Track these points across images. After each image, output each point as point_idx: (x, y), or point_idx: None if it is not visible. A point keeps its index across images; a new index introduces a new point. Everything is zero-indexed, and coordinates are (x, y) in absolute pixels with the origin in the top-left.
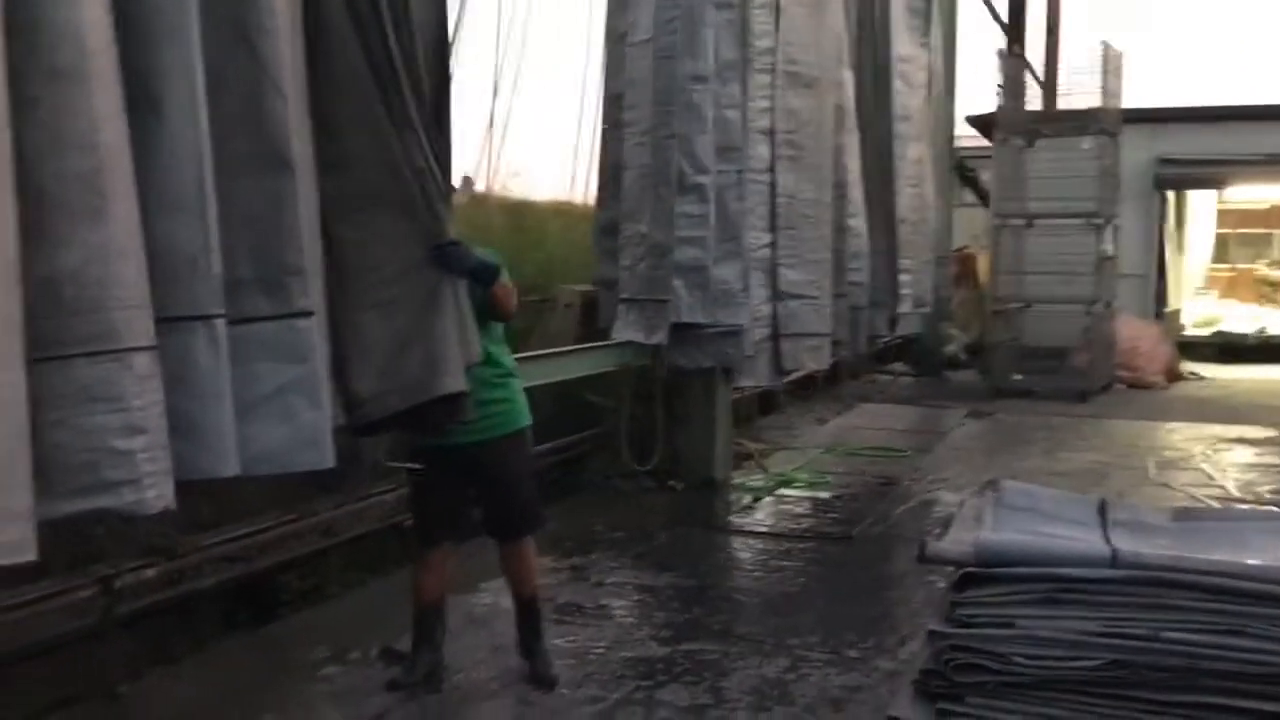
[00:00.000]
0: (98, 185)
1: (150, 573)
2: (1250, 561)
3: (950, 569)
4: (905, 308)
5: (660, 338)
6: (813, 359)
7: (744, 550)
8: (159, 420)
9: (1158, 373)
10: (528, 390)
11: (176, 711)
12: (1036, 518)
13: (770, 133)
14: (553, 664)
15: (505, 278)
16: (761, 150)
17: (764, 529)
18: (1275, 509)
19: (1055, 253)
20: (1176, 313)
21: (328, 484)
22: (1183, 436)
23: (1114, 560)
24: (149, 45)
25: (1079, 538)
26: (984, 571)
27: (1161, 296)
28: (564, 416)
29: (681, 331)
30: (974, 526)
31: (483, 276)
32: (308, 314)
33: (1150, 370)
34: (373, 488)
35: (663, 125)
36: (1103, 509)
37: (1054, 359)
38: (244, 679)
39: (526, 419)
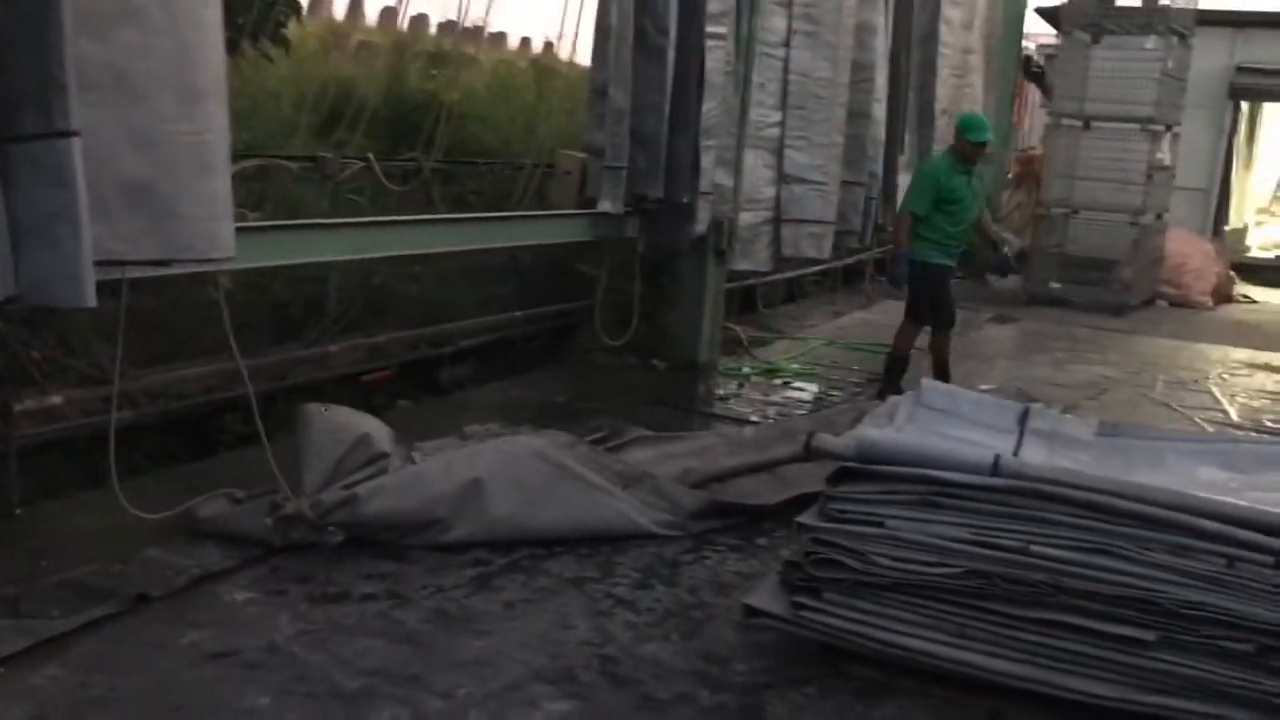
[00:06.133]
0: None
1: (57, 399)
2: (1141, 481)
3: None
4: None
5: (618, 207)
6: (814, 247)
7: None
8: None
9: (1204, 292)
10: (503, 251)
11: (61, 535)
12: (951, 420)
13: (788, 4)
14: None
15: None
16: (777, 22)
17: (735, 415)
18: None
19: (1108, 158)
20: (1239, 232)
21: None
22: (1205, 359)
23: (995, 468)
24: None
25: (983, 444)
26: (861, 468)
27: (1222, 214)
28: (554, 286)
29: (650, 206)
30: (884, 424)
31: None
32: (69, 134)
33: (1197, 289)
34: (330, 339)
35: None
36: (1023, 418)
37: (1097, 270)
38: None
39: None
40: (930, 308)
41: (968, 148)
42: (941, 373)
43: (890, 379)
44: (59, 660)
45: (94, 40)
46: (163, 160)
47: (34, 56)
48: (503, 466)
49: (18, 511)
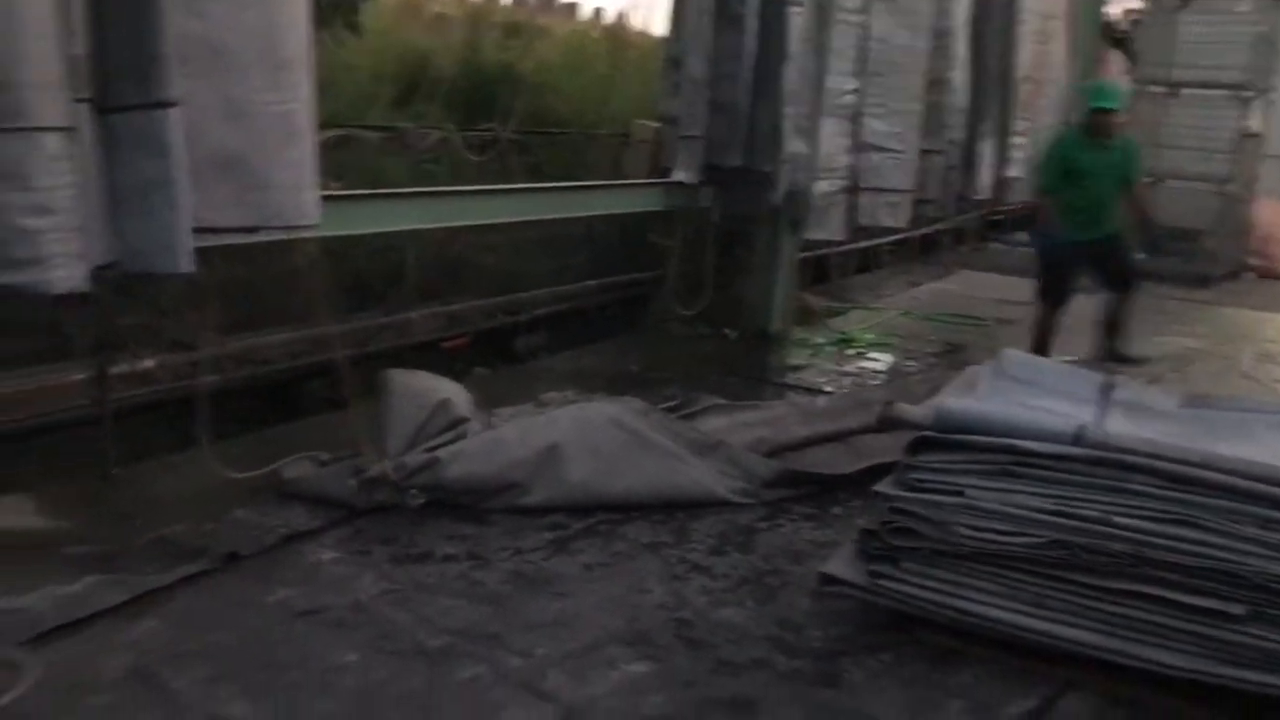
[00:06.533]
0: None
1: (149, 364)
2: (1227, 453)
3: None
4: (1014, 172)
5: (693, 176)
6: (891, 216)
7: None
8: (70, 202)
9: None
10: (577, 221)
11: (154, 495)
12: (1032, 390)
13: None
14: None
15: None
16: None
17: (808, 386)
18: None
19: (1195, 125)
20: None
21: None
22: None
23: (1079, 438)
24: None
25: (1066, 413)
26: (941, 437)
27: None
28: (627, 255)
29: (726, 175)
30: (964, 393)
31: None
32: (168, 104)
33: None
34: (410, 307)
35: None
36: (1107, 389)
37: (1182, 240)
38: (239, 471)
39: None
40: (1045, 281)
41: (1091, 116)
42: (1040, 347)
43: None
44: (154, 614)
45: (188, 14)
46: (252, 130)
47: (134, 29)
48: (579, 433)
49: (114, 472)
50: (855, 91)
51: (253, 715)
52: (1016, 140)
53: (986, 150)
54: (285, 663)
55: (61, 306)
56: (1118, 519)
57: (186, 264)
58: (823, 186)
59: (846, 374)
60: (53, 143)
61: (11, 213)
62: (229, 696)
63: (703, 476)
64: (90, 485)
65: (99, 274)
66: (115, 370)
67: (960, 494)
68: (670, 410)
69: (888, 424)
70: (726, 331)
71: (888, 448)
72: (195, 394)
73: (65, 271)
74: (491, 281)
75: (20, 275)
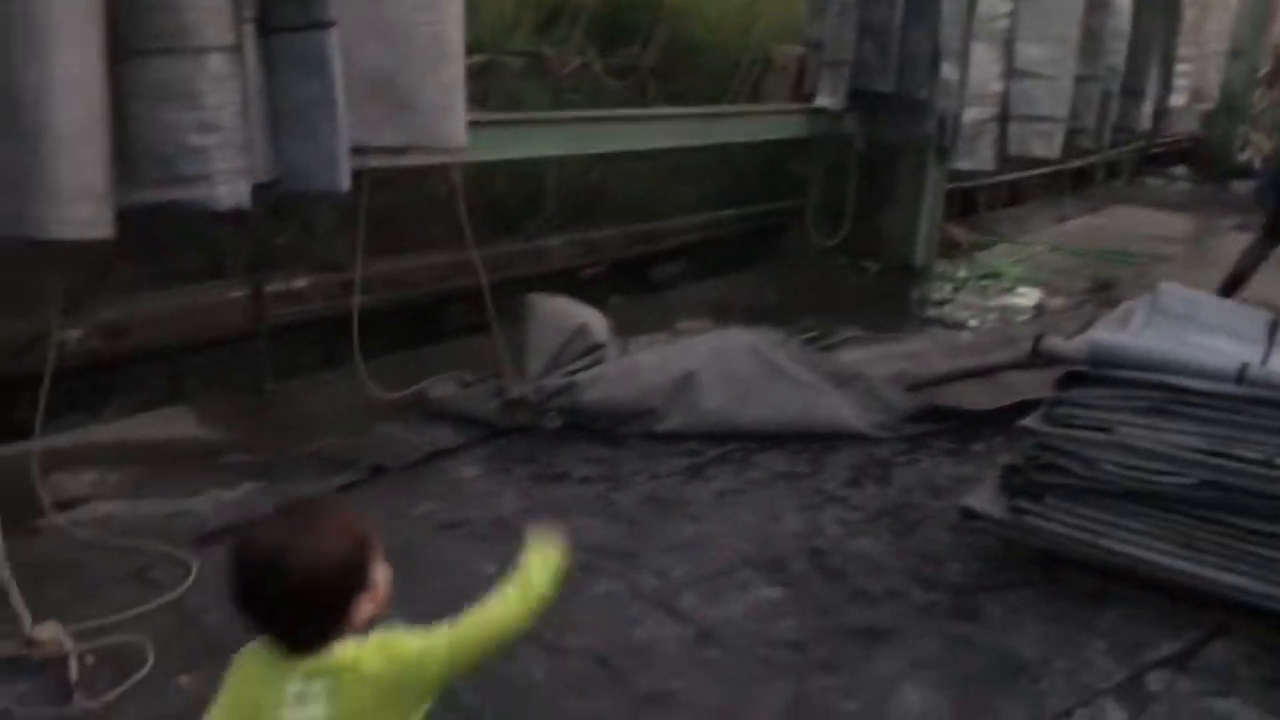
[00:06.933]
0: None
1: (301, 283)
2: None
3: None
4: (1179, 101)
5: (838, 102)
6: (1043, 145)
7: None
8: (234, 120)
9: None
10: (717, 149)
11: (307, 411)
12: (1192, 326)
13: None
14: None
15: None
16: None
17: (951, 320)
18: None
19: None
20: None
21: None
22: None
23: (1241, 376)
24: None
25: (1228, 351)
26: (1093, 372)
27: None
28: (765, 184)
29: (873, 101)
30: (1118, 328)
31: None
32: (327, 25)
33: None
34: (548, 234)
35: None
36: (1273, 326)
37: None
38: (387, 390)
39: None
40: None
41: None
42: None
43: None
44: None
45: None
46: (404, 50)
47: None
48: (715, 361)
49: (269, 387)
50: (1009, 15)
51: (397, 620)
52: (1181, 68)
53: (1148, 78)
54: (429, 572)
55: (220, 226)
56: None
57: (345, 182)
58: (972, 114)
59: (991, 309)
60: (218, 62)
61: (180, 130)
62: None
63: (840, 408)
64: (247, 400)
65: (260, 192)
66: (270, 289)
67: (1110, 430)
68: (808, 342)
69: (1039, 357)
70: (867, 264)
71: (1033, 385)
72: (344, 314)
73: (229, 188)
74: (629, 209)
75: (188, 191)
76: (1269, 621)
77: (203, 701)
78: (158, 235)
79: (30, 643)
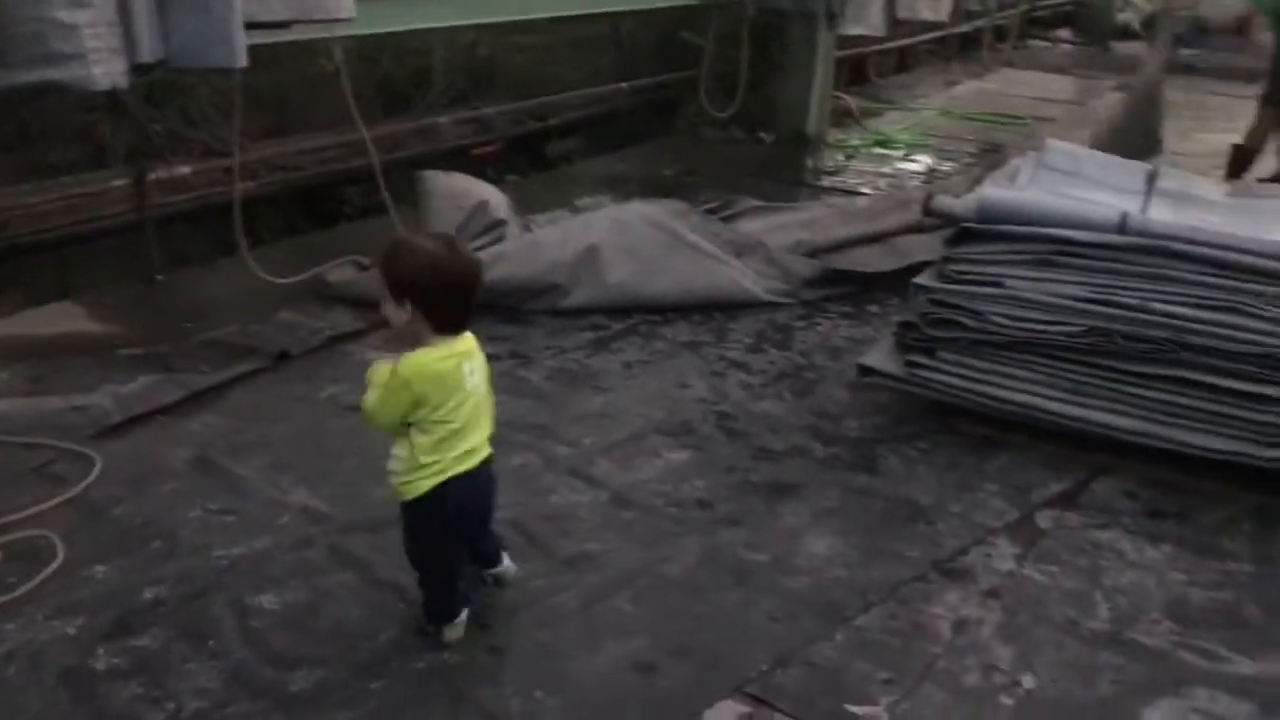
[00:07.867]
0: None
1: (185, 170)
2: (1274, 239)
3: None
4: None
5: None
6: (931, 10)
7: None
8: None
9: None
10: (614, 21)
11: (200, 300)
12: (1075, 181)
13: None
14: None
15: None
16: None
17: (845, 188)
18: None
19: None
20: None
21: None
22: None
23: (1122, 226)
24: None
25: (1108, 204)
26: (982, 228)
27: None
28: (658, 55)
29: None
30: (1005, 185)
31: None
32: None
33: None
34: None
35: None
36: (1151, 178)
37: (1232, 35)
38: (281, 276)
39: None
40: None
41: None
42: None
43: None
44: (212, 410)
45: None
46: None
47: None
48: (617, 234)
49: (159, 277)
50: None
51: (315, 500)
52: None
53: None
54: (340, 452)
55: (97, 113)
56: (1156, 305)
57: (242, 57)
58: None
59: (884, 175)
60: None
61: (49, 5)
62: (290, 484)
63: (741, 276)
64: (138, 291)
65: (142, 72)
66: (153, 178)
67: (999, 284)
68: (709, 213)
69: (930, 215)
70: (761, 134)
71: (926, 247)
72: (231, 201)
73: (104, 68)
74: (521, 86)
75: (61, 70)
76: (1148, 458)
77: (117, 590)
78: (33, 125)
79: None
